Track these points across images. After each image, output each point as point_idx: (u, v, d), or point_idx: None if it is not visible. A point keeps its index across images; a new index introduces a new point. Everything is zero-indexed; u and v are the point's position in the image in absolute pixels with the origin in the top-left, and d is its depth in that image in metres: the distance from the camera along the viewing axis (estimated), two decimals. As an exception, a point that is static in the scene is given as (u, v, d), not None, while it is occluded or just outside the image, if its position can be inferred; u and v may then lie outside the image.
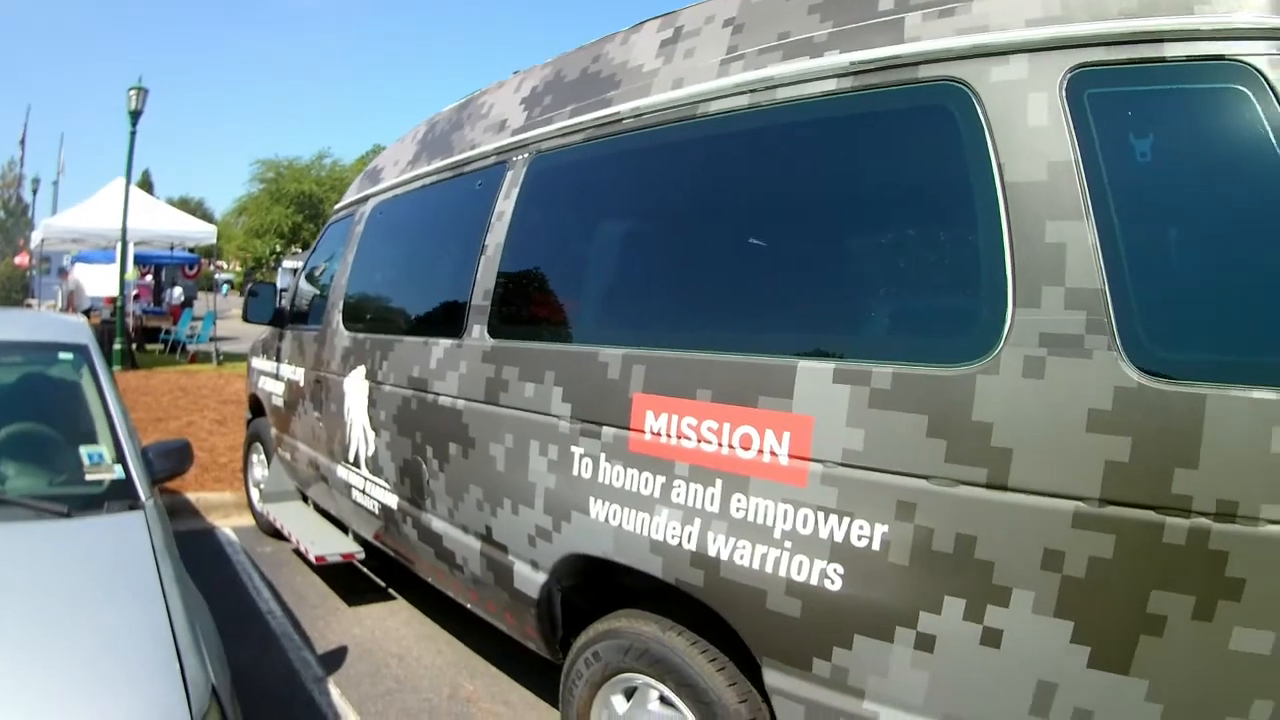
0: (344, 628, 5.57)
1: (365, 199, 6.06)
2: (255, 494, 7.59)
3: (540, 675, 4.58)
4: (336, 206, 7.11)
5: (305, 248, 54.71)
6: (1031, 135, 2.30)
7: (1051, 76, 2.30)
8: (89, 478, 3.61)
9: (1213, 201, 2.21)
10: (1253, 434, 1.95)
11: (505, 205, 4.11)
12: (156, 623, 2.69)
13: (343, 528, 6.07)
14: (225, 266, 62.07)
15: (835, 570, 2.53)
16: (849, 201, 2.96)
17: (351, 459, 5.33)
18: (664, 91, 3.41)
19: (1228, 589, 1.98)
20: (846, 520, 2.51)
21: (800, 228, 3.04)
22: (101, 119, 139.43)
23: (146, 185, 58.88)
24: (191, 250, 29.43)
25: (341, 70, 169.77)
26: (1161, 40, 2.16)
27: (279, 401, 6.88)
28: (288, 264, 56.13)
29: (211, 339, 20.61)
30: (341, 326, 5.63)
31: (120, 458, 3.71)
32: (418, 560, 4.81)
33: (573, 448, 3.45)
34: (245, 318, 7.14)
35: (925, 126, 2.62)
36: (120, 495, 3.52)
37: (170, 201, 31.36)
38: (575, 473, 3.42)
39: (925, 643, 2.37)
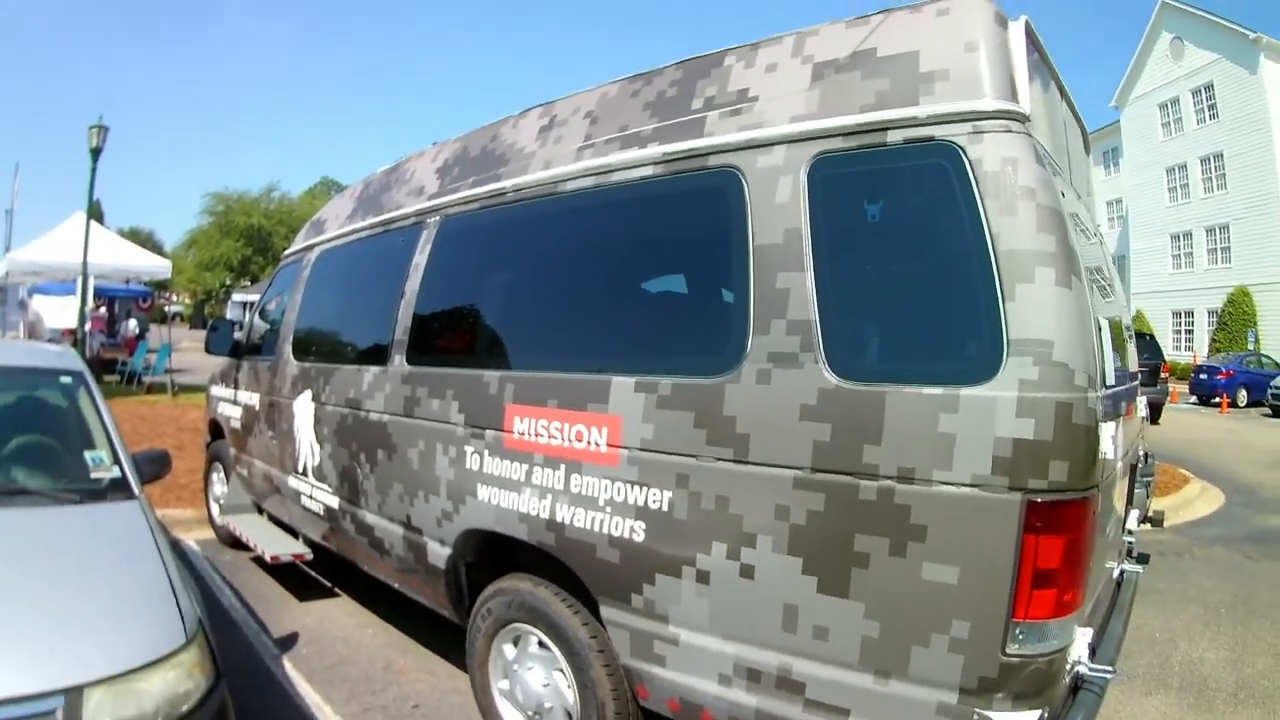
0: (295, 618, 6.29)
1: (311, 247, 6.90)
2: (215, 509, 8.28)
3: (459, 653, 5.19)
4: (286, 252, 7.89)
5: (254, 281, 54.08)
6: (776, 209, 3.18)
7: (798, 162, 3.17)
8: (93, 475, 4.34)
9: (896, 250, 3.09)
10: (924, 419, 2.75)
11: (420, 259, 4.98)
12: (156, 572, 3.50)
13: (294, 533, 6.82)
14: (175, 299, 61.07)
15: (640, 526, 3.46)
16: (653, 259, 4.01)
17: (300, 469, 6.12)
18: (537, 171, 4.33)
19: (914, 533, 2.75)
20: (644, 489, 3.45)
21: (617, 279, 4.05)
22: (54, 148, 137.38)
23: (98, 215, 56.59)
24: (145, 284, 29.67)
25: (289, 99, 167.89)
26: (887, 129, 2.99)
27: (237, 424, 7.62)
28: (237, 297, 55.24)
29: (167, 370, 20.71)
30: (291, 357, 6.42)
31: (117, 460, 4.45)
32: (356, 551, 5.62)
33: (465, 447, 4.34)
34: (207, 349, 7.89)
35: (710, 203, 3.50)
36: (118, 489, 4.29)
37: (121, 232, 30.93)
38: (467, 466, 4.32)
39: (704, 577, 3.27)
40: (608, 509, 3.60)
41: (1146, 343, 24.07)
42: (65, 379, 5.09)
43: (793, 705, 3.06)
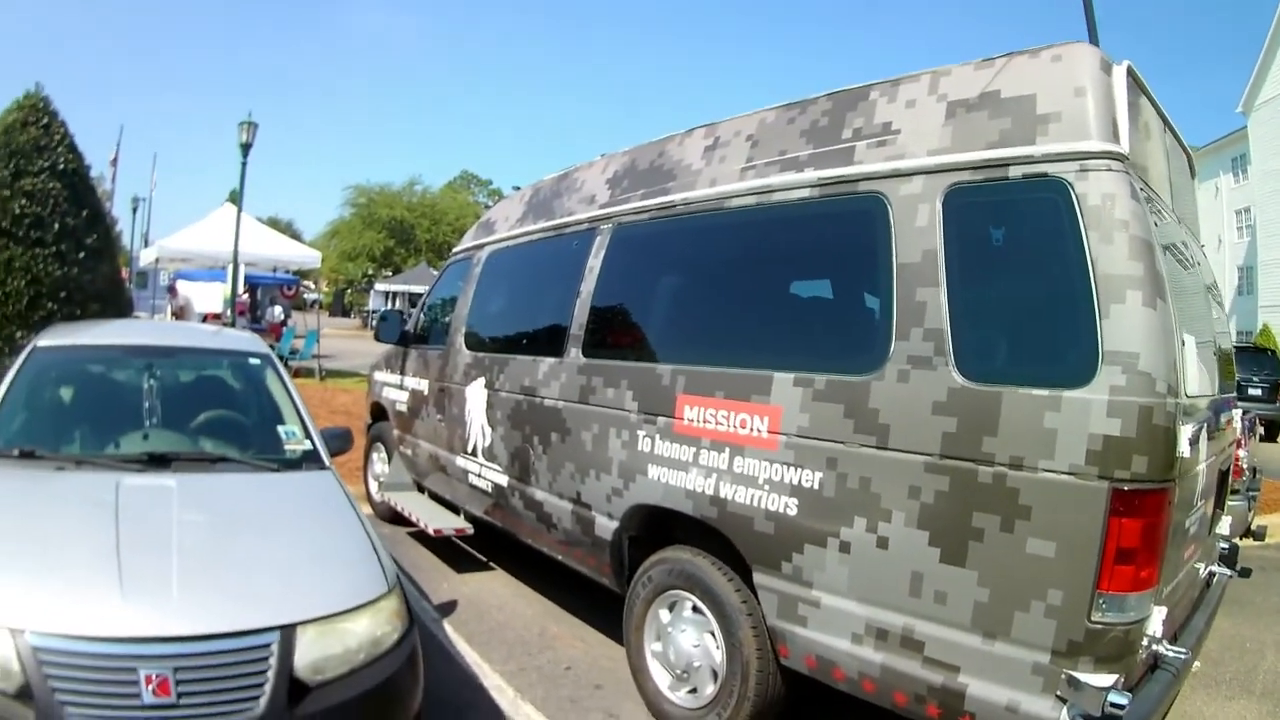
0: (453, 587, 6.88)
1: (481, 246, 7.55)
2: (374, 486, 9.00)
3: (609, 623, 5.69)
4: (454, 250, 8.58)
5: (396, 271, 55.37)
6: (916, 232, 3.66)
7: (935, 191, 3.65)
8: (288, 447, 4.90)
9: (1013, 271, 3.58)
10: (1031, 416, 3.22)
11: (595, 262, 5.54)
12: (357, 531, 4.05)
13: (454, 510, 7.41)
14: (313, 287, 62.89)
15: (794, 502, 3.96)
16: (811, 269, 4.50)
17: (470, 450, 6.75)
18: (704, 188, 4.86)
19: (1021, 512, 3.22)
20: (799, 470, 3.94)
21: (780, 286, 4.53)
22: (191, 140, 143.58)
23: (235, 204, 59.18)
24: (290, 272, 30.94)
25: (424, 96, 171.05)
26: (1009, 165, 3.45)
27: (402, 407, 8.32)
28: (380, 287, 56.65)
29: (314, 355, 21.69)
30: (464, 346, 7.06)
31: (308, 435, 5.03)
32: (521, 525, 6.19)
33: (638, 431, 4.88)
34: (376, 337, 8.70)
35: (859, 223, 3.98)
36: (312, 460, 4.85)
37: (260, 220, 32.38)
38: (639, 448, 4.86)
39: (845, 547, 3.75)
40: (766, 487, 4.10)
41: (1269, 358, 23.23)
42: (254, 360, 5.72)
43: (912, 662, 3.52)
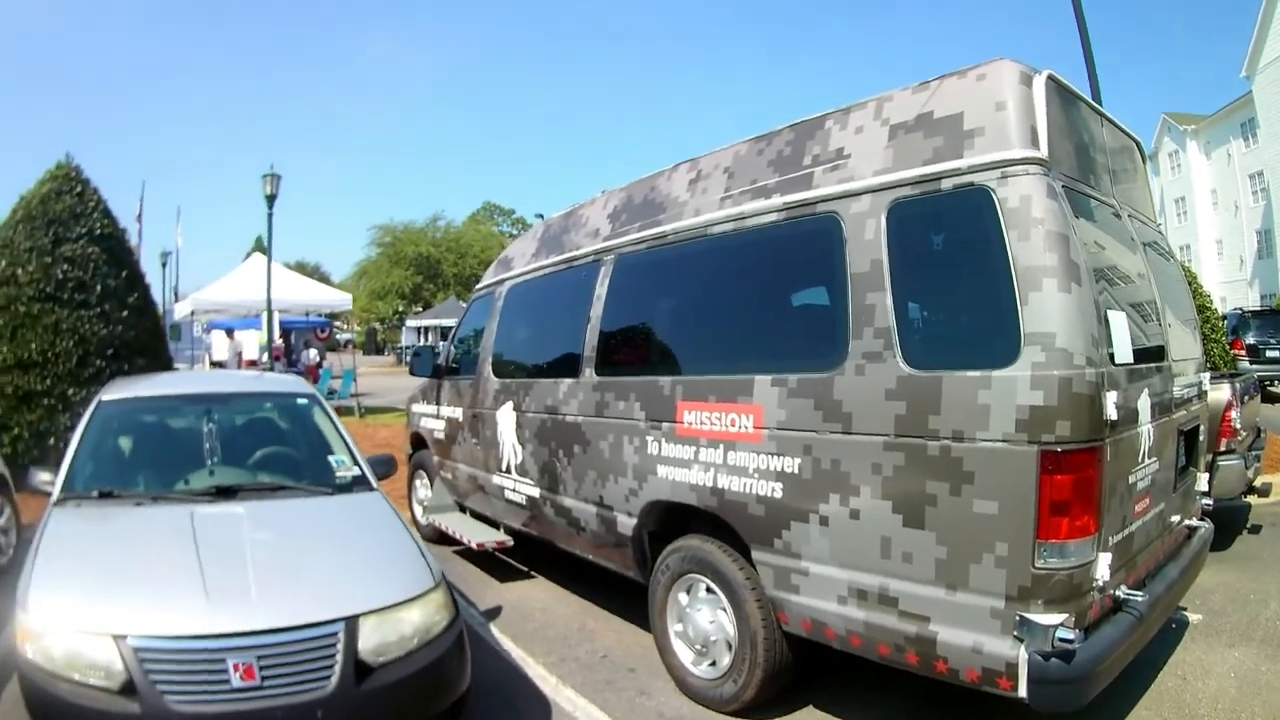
0: (497, 595, 7.45)
1: (502, 281, 8.18)
2: (419, 510, 9.58)
3: (640, 617, 6.12)
4: (477, 287, 9.21)
5: (426, 306, 55.71)
6: (865, 244, 4.23)
7: (880, 207, 4.22)
8: (338, 474, 5.55)
9: (948, 272, 4.18)
10: (967, 395, 3.77)
11: (601, 290, 6.17)
12: (405, 538, 4.72)
13: (494, 526, 8.01)
14: (345, 327, 63.36)
15: (779, 486, 4.56)
16: (781, 283, 5.06)
17: (504, 468, 7.36)
18: (690, 218, 5.47)
19: (965, 478, 3.76)
20: (781, 458, 4.54)
21: (756, 300, 5.13)
22: (206, 187, 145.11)
23: (262, 250, 59.22)
24: (322, 315, 31.62)
25: (443, 131, 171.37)
26: (941, 178, 4.01)
27: (440, 435, 8.97)
28: (411, 323, 57.05)
29: (352, 395, 22.23)
30: (492, 374, 7.69)
31: (356, 462, 5.67)
32: (554, 532, 6.78)
33: (646, 437, 5.49)
34: (411, 372, 9.42)
35: (818, 241, 4.54)
36: (361, 483, 5.50)
37: (287, 265, 32.73)
38: (649, 451, 5.46)
39: (824, 521, 4.33)
40: (755, 475, 4.70)
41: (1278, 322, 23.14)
42: (302, 400, 6.43)
43: (889, 615, 4.07)
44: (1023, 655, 3.60)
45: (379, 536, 4.78)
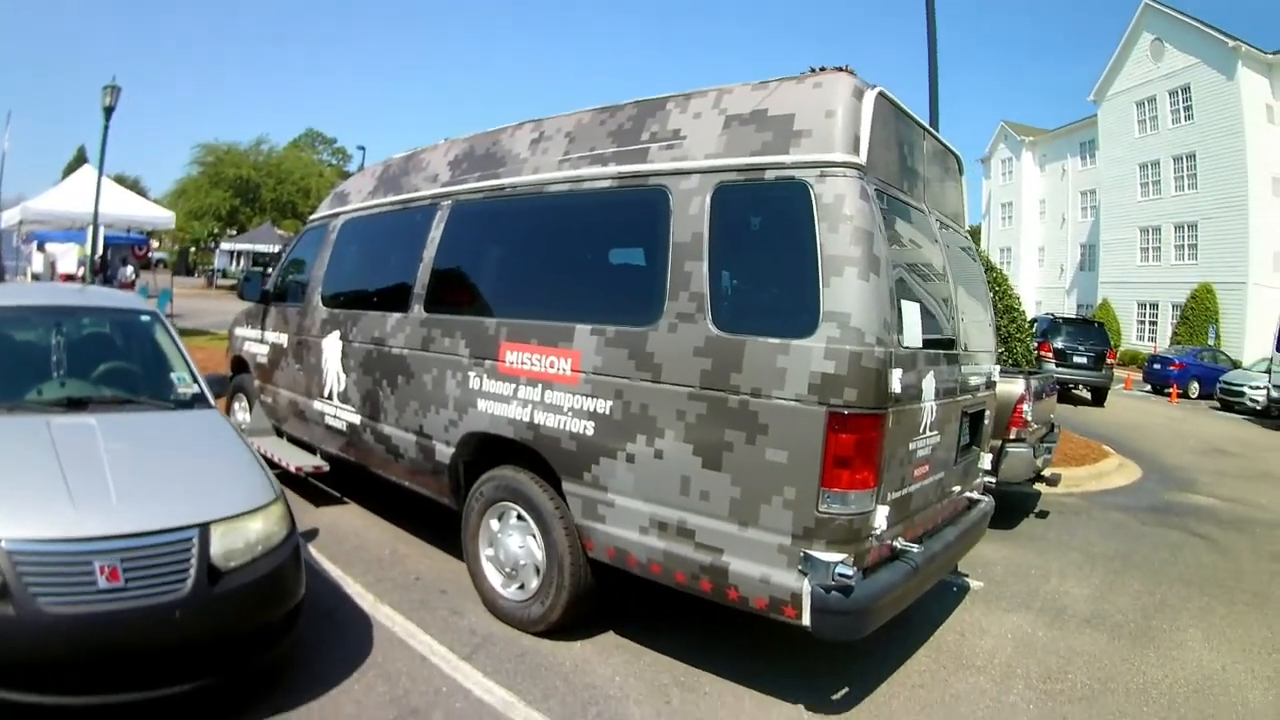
0: (313, 518, 7.53)
1: (336, 215, 8.24)
2: None
3: (449, 545, 6.61)
4: (312, 217, 9.21)
5: (241, 230, 53.81)
6: (689, 219, 4.63)
7: (706, 187, 4.62)
8: (179, 390, 5.68)
9: (761, 251, 4.62)
10: (767, 358, 4.22)
11: (436, 233, 6.37)
12: (246, 453, 4.92)
13: (311, 451, 8.10)
14: (157, 246, 60.87)
15: (590, 425, 4.93)
16: (609, 244, 5.44)
17: (326, 395, 7.49)
18: (528, 175, 5.75)
19: (760, 429, 4.22)
20: (594, 400, 4.92)
21: (584, 257, 5.50)
22: (39, 89, 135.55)
23: (82, 160, 54.56)
24: (141, 232, 30.51)
25: (271, 54, 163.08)
26: (765, 169, 4.44)
27: (263, 359, 8.93)
28: (226, 246, 55.34)
29: (168, 315, 21.25)
30: (320, 304, 7.77)
31: (195, 380, 5.79)
32: (372, 458, 6.98)
33: (469, 372, 5.76)
34: (240, 295, 9.27)
35: (647, 210, 4.91)
36: (200, 401, 5.64)
37: (109, 178, 31.34)
38: (470, 386, 5.75)
39: (631, 459, 4.73)
40: (570, 413, 5.06)
41: (1095, 330, 24.96)
42: (144, 318, 6.44)
43: (686, 546, 4.52)
44: (806, 587, 4.06)
45: (223, 450, 4.97)
